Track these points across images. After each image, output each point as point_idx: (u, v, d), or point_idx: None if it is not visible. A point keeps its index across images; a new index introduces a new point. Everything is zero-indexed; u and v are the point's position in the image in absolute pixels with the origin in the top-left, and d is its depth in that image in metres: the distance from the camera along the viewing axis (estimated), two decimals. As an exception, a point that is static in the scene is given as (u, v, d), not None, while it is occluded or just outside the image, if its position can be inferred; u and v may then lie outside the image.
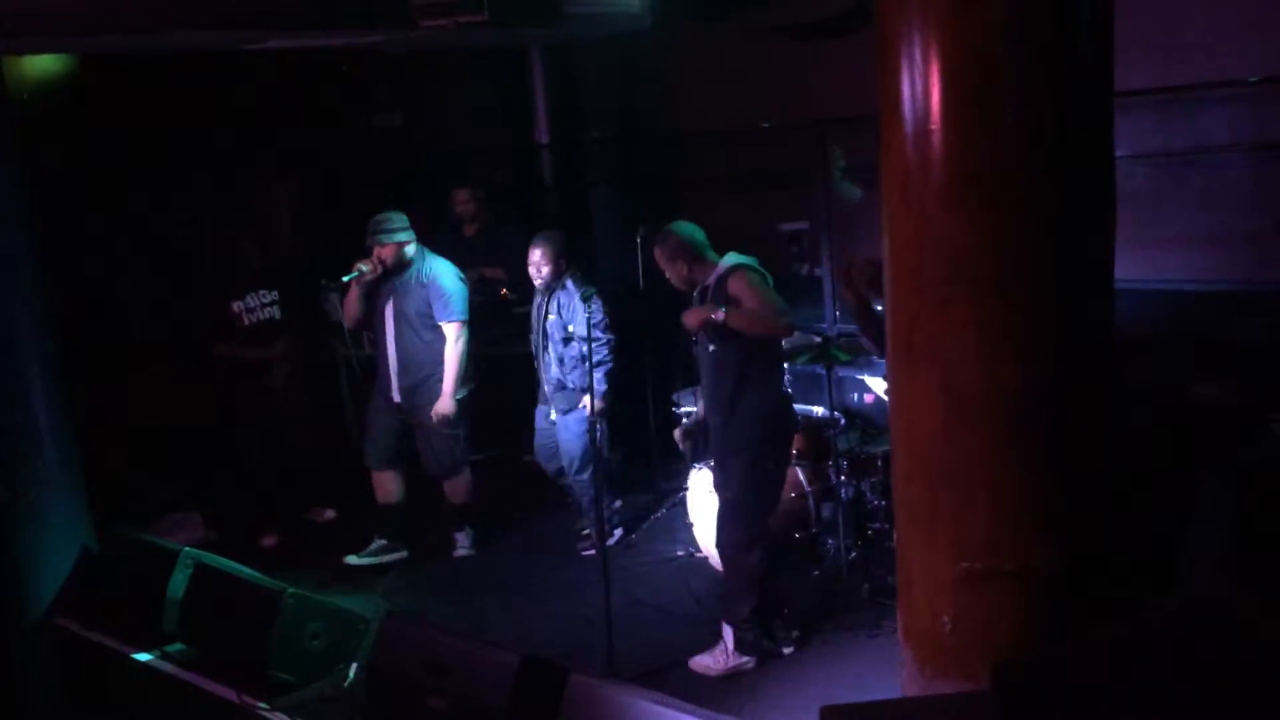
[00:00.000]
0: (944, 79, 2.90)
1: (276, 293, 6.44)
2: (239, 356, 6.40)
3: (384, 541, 6.10)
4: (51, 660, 5.08)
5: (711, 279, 4.63)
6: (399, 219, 5.83)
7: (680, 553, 5.98)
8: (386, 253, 5.77)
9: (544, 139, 7.70)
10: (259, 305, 6.42)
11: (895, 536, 3.41)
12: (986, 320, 2.98)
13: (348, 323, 6.03)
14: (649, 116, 7.81)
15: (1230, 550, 4.55)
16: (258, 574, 4.85)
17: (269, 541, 6.47)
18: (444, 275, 5.86)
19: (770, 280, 4.63)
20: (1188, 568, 4.55)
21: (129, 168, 6.79)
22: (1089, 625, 3.07)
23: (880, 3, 3.01)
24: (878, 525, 5.50)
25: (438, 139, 8.11)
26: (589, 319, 5.29)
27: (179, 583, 4.86)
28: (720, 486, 4.80)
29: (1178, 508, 4.70)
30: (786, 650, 4.81)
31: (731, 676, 4.66)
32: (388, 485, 6.10)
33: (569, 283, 5.78)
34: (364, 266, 5.77)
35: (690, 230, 4.74)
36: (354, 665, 4.55)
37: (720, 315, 4.46)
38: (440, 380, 5.84)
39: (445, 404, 5.80)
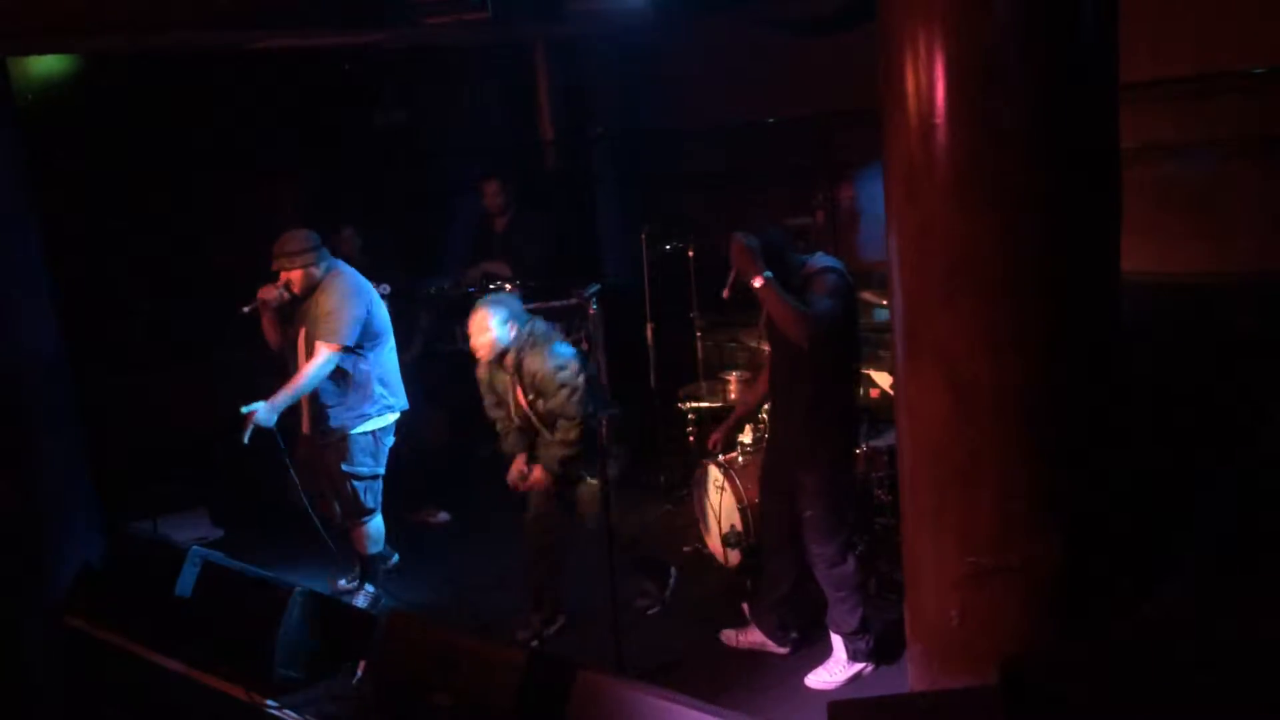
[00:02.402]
0: (948, 75, 2.89)
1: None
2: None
3: (359, 580, 5.73)
4: (61, 658, 5.09)
5: (800, 277, 4.39)
6: (306, 239, 5.28)
7: (687, 549, 5.98)
8: (293, 277, 5.25)
9: (549, 136, 7.70)
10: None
11: (902, 532, 3.41)
12: (991, 316, 2.98)
13: (271, 345, 5.49)
14: (653, 112, 7.81)
15: (1232, 547, 4.54)
16: (266, 571, 4.87)
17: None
18: (332, 292, 5.25)
19: (852, 292, 4.44)
20: (1190, 565, 4.54)
21: (132, 167, 6.80)
22: (1094, 621, 3.08)
23: (884, -1, 3.01)
24: (884, 520, 5.49)
25: (442, 137, 8.11)
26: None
27: (187, 580, 4.87)
28: (785, 495, 4.58)
29: (1180, 504, 4.69)
30: (783, 650, 4.81)
31: (739, 671, 4.67)
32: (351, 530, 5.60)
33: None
34: (267, 295, 5.25)
35: (771, 233, 4.48)
36: (361, 662, 4.56)
37: (761, 279, 4.19)
38: (342, 410, 5.32)
39: (263, 411, 5.07)
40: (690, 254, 6.30)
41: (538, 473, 5.09)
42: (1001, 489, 3.06)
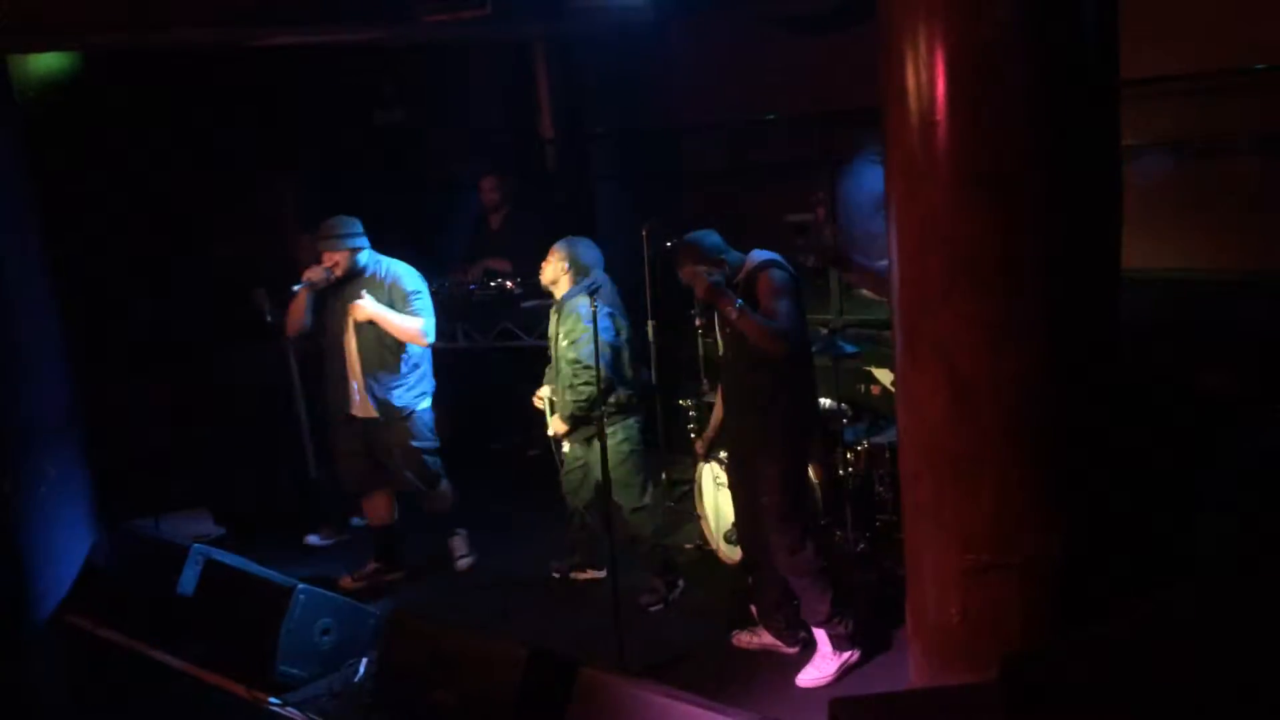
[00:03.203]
0: (948, 72, 2.89)
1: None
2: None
3: (378, 565, 5.87)
4: (63, 657, 5.10)
5: (741, 275, 4.49)
6: (352, 224, 5.55)
7: (689, 546, 5.98)
8: (339, 258, 5.49)
9: (549, 134, 7.69)
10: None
11: (903, 529, 3.42)
12: (991, 313, 2.98)
13: (289, 329, 5.69)
14: (653, 110, 7.80)
15: (1233, 543, 4.53)
16: (268, 569, 4.87)
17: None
18: (405, 276, 5.57)
19: (797, 283, 4.50)
20: (1191, 560, 4.53)
21: (133, 165, 6.80)
22: (1095, 617, 3.08)
23: (884, -5, 3.01)
24: (885, 517, 5.49)
25: (441, 135, 8.11)
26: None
27: (189, 578, 4.88)
28: (750, 490, 4.62)
29: (1182, 500, 4.69)
30: (792, 649, 4.81)
31: (740, 669, 4.67)
32: (377, 508, 5.83)
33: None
34: (314, 275, 5.48)
35: (701, 236, 4.60)
36: (363, 660, 4.57)
37: (734, 310, 4.31)
38: (404, 391, 5.55)
39: (368, 305, 5.41)
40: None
41: (556, 421, 5.24)
42: (1002, 486, 3.06)
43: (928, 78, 2.91)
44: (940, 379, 3.06)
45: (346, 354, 5.57)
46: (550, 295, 5.41)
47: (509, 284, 6.72)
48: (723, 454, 5.62)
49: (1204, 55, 5.14)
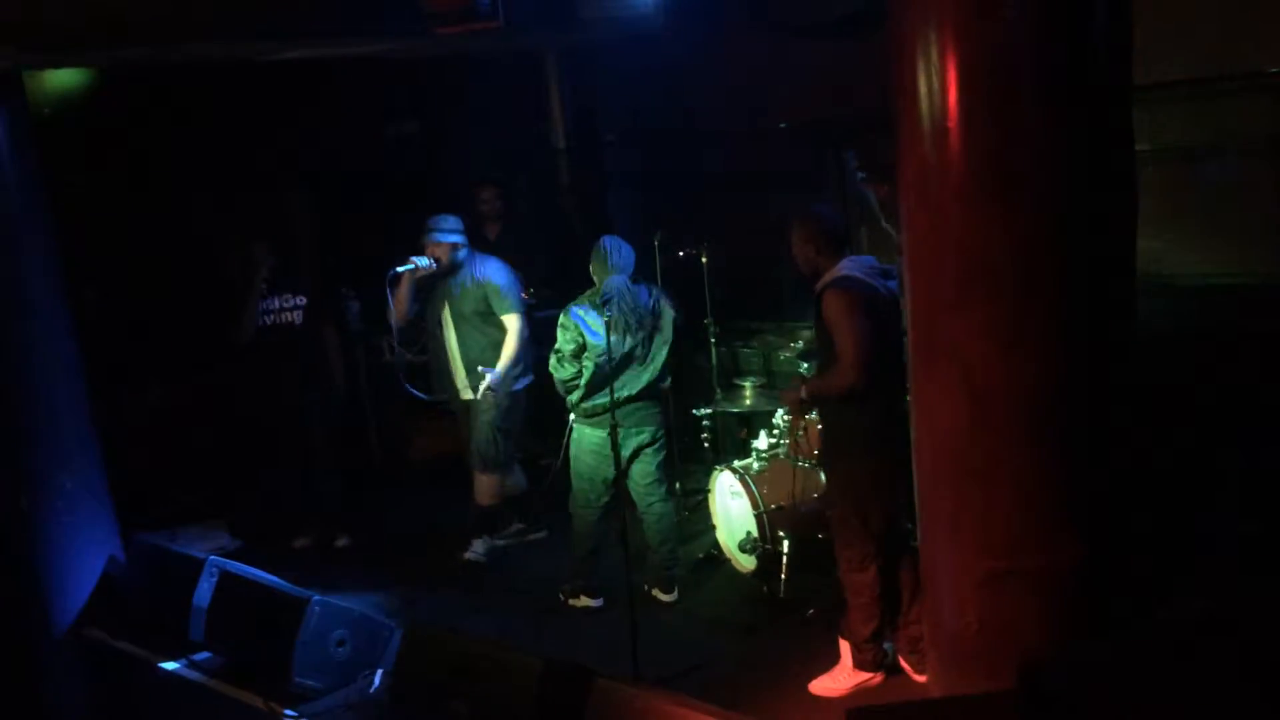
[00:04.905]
0: (961, 77, 2.88)
1: (304, 299, 6.44)
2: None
3: (521, 525, 6.36)
4: (80, 670, 5.12)
5: (820, 285, 4.36)
6: (454, 220, 5.92)
7: (701, 555, 5.97)
8: (440, 251, 5.84)
9: (561, 143, 7.71)
10: (280, 308, 6.43)
11: (919, 535, 3.40)
12: (1006, 318, 2.96)
13: (397, 318, 5.96)
14: (665, 117, 7.81)
15: (1251, 548, 4.50)
16: (283, 581, 4.88)
17: (301, 544, 6.56)
18: (497, 272, 5.94)
19: (864, 300, 4.26)
20: (1208, 566, 4.50)
21: (146, 178, 6.85)
22: (1113, 624, 3.06)
23: (895, 2, 3.00)
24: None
25: (454, 145, 8.13)
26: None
27: (205, 590, 4.89)
28: (827, 501, 4.67)
29: (1199, 505, 4.66)
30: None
31: (755, 679, 4.65)
32: (501, 483, 6.13)
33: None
34: (420, 260, 5.82)
35: (826, 215, 4.48)
36: (379, 672, 4.57)
37: (802, 394, 4.49)
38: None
39: (495, 378, 5.80)
40: (704, 260, 6.31)
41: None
42: (1019, 492, 3.04)
43: (939, 83, 2.91)
44: (955, 385, 3.05)
45: (447, 345, 5.97)
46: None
47: (525, 294, 6.73)
48: (736, 463, 5.61)
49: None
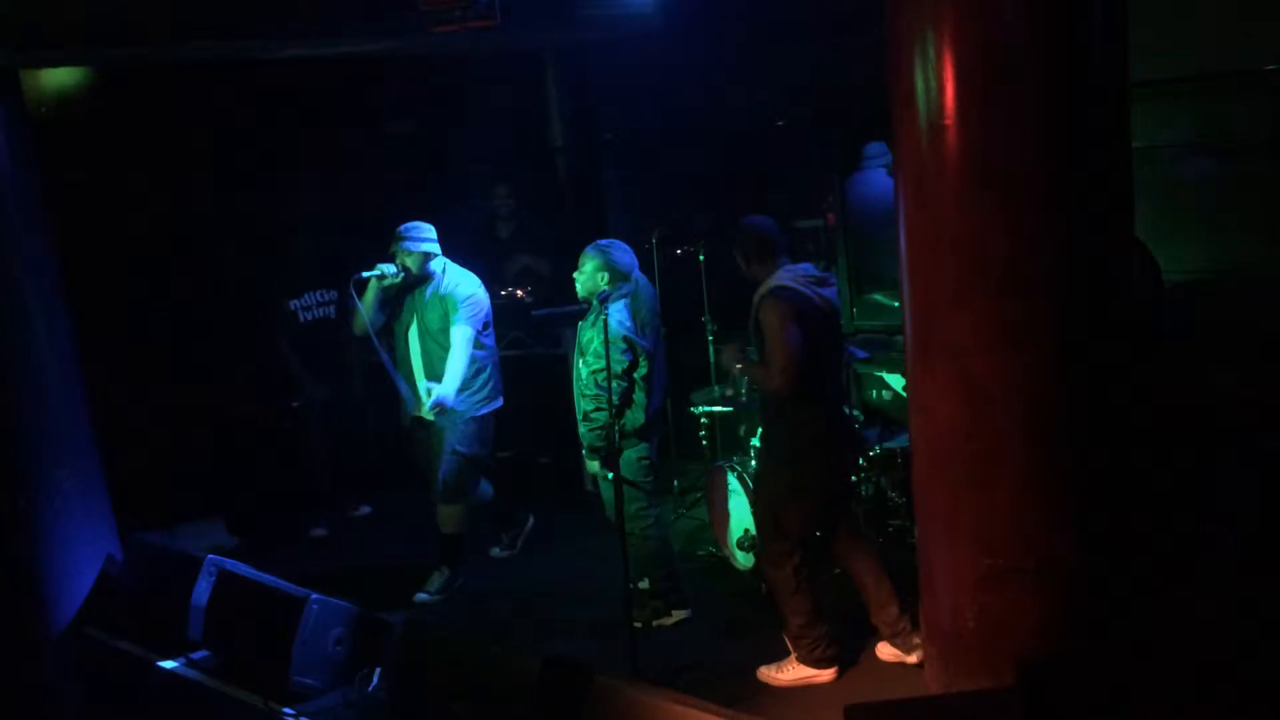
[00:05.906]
0: (957, 75, 2.89)
1: (336, 293, 6.39)
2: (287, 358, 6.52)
3: (520, 528, 6.24)
4: (78, 668, 5.11)
5: (757, 295, 4.44)
6: (426, 229, 5.58)
7: (700, 553, 5.97)
8: (411, 260, 5.52)
9: (559, 141, 7.70)
10: (315, 304, 6.42)
11: (916, 534, 3.41)
12: (1002, 316, 2.97)
13: (359, 326, 5.64)
14: (662, 116, 7.81)
15: (1252, 546, 4.50)
16: (282, 580, 4.88)
17: (319, 532, 6.68)
18: (460, 284, 5.57)
19: (799, 309, 4.34)
20: (1209, 564, 4.51)
21: (144, 175, 6.84)
22: (1111, 622, 3.06)
23: (892, 1, 3.01)
24: (898, 522, 5.48)
25: (452, 143, 8.12)
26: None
27: (203, 589, 4.88)
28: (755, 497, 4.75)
29: (1198, 502, 4.66)
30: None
31: (753, 677, 4.65)
32: (466, 512, 5.79)
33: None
34: (387, 268, 5.51)
35: (759, 225, 4.54)
36: (377, 670, 4.57)
37: (738, 369, 4.69)
38: (468, 394, 5.55)
39: (442, 396, 5.42)
40: (701, 258, 6.30)
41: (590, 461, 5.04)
42: (1016, 489, 3.05)
43: (936, 82, 2.91)
44: (952, 382, 3.06)
45: (411, 360, 5.65)
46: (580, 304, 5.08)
47: (519, 292, 6.74)
48: (735, 460, 5.61)
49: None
